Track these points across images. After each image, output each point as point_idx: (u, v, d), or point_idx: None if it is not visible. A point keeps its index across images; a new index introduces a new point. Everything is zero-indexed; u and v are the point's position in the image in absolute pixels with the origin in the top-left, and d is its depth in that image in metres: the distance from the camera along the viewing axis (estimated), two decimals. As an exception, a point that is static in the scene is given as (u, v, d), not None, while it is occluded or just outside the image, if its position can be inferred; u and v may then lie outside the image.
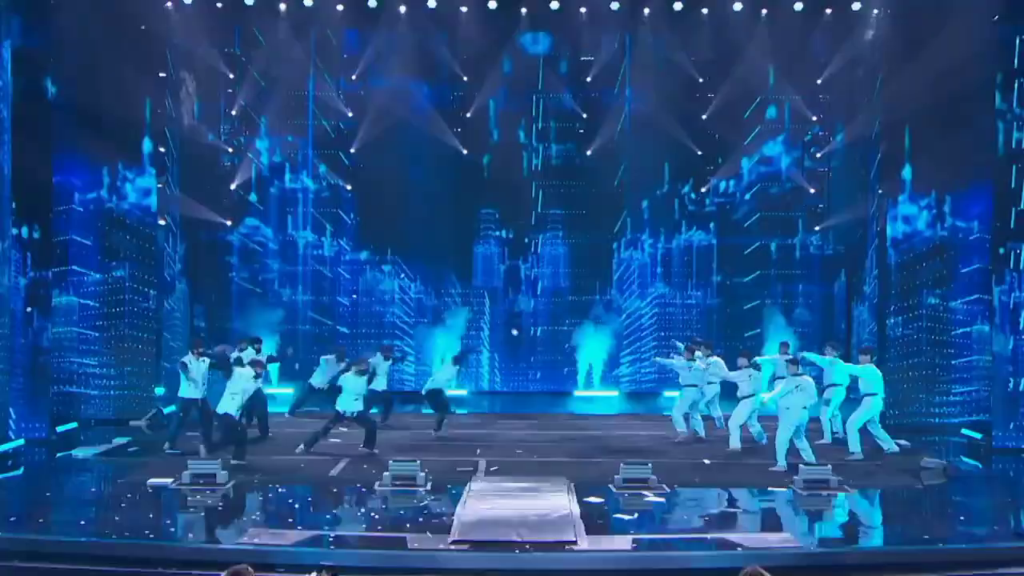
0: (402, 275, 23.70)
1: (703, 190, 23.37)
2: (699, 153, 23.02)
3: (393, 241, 23.56)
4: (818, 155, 23.16)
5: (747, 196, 23.46)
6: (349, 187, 23.36)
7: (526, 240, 23.87)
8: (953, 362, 17.92)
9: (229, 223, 22.89)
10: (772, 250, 23.46)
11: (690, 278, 23.64)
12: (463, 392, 22.57)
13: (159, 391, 19.28)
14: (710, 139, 23.11)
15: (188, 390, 15.09)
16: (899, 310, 18.98)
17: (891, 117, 19.00)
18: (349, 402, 15.03)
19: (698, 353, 16.67)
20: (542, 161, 23.75)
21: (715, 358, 16.62)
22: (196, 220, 22.02)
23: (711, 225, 23.58)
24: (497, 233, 23.88)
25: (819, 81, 22.50)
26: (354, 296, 23.68)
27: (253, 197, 23.31)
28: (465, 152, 23.10)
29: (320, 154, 23.44)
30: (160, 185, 19.65)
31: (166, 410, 18.33)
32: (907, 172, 18.67)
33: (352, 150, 23.05)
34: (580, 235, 23.72)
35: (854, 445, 14.81)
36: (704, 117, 22.82)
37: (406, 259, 23.61)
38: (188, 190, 21.36)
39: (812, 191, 23.11)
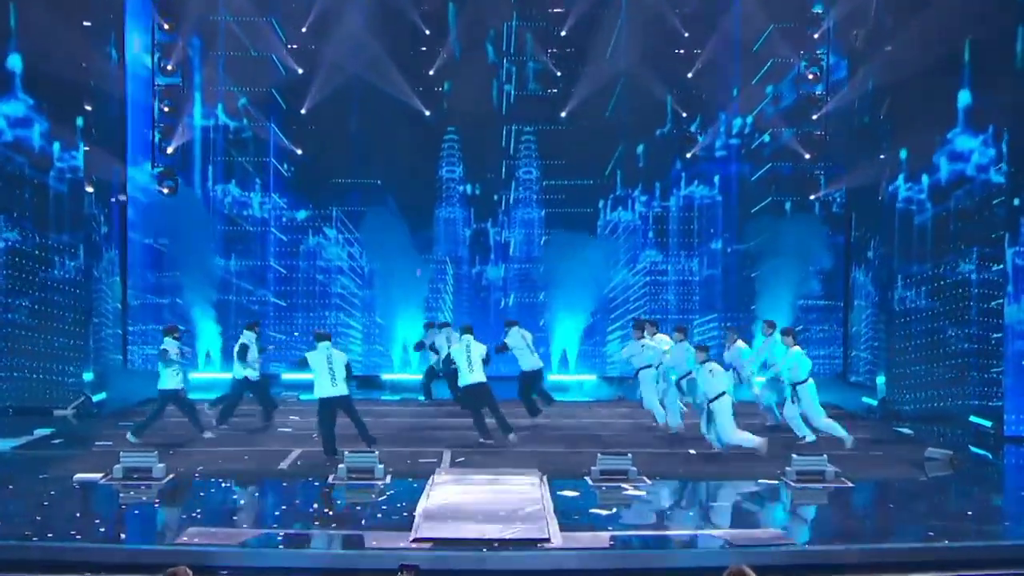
0: (351, 240, 22.65)
1: (691, 153, 22.89)
2: (683, 115, 22.78)
3: (338, 199, 22.54)
4: (814, 117, 22.73)
5: (755, 143, 22.62)
6: (300, 151, 22.56)
7: (495, 198, 22.96)
8: (990, 335, 16.88)
9: (166, 191, 22.18)
10: (782, 210, 22.56)
11: (689, 239, 22.84)
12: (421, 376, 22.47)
13: (87, 376, 19.07)
14: (697, 96, 22.83)
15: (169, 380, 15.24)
16: (915, 279, 18.53)
17: (897, 72, 18.93)
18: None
19: (646, 334, 17.07)
20: (516, 88, 22.51)
21: (662, 336, 17.11)
22: (123, 182, 21.48)
23: (715, 179, 22.78)
24: (461, 189, 22.90)
25: (816, 35, 22.43)
26: (292, 262, 22.61)
27: (192, 153, 22.40)
28: (428, 113, 22.43)
29: (248, 92, 22.33)
30: (87, 148, 19.23)
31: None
32: (965, 97, 17.29)
33: (303, 110, 22.29)
34: (558, 192, 22.76)
35: (837, 430, 15.08)
36: (689, 75, 22.54)
37: (354, 220, 22.67)
38: (117, 150, 20.97)
39: (807, 156, 22.78)
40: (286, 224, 22.88)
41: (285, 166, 22.67)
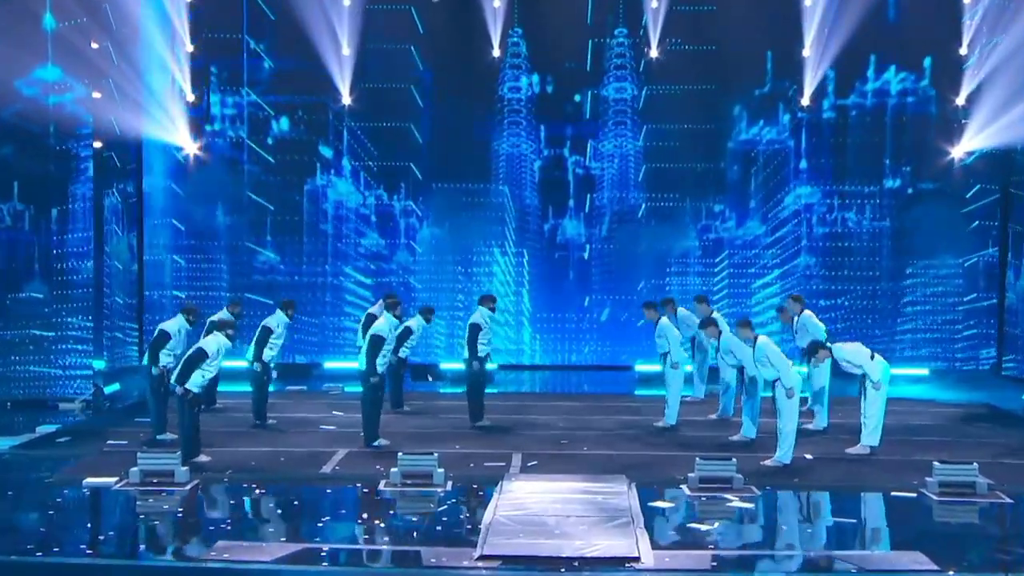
0: (371, 179, 21.05)
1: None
2: None
3: (349, 118, 20.80)
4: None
5: None
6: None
7: (576, 99, 20.72)
8: None
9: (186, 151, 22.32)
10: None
11: (867, 167, 20.25)
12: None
13: (98, 364, 19.42)
14: None
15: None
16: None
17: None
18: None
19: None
20: None
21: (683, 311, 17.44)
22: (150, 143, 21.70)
23: (927, 61, 19.63)
24: (525, 92, 20.60)
25: None
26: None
27: None
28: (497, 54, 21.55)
29: None
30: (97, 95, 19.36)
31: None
32: None
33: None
34: (668, 101, 20.22)
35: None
36: None
37: (380, 149, 21.05)
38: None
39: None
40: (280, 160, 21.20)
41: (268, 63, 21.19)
